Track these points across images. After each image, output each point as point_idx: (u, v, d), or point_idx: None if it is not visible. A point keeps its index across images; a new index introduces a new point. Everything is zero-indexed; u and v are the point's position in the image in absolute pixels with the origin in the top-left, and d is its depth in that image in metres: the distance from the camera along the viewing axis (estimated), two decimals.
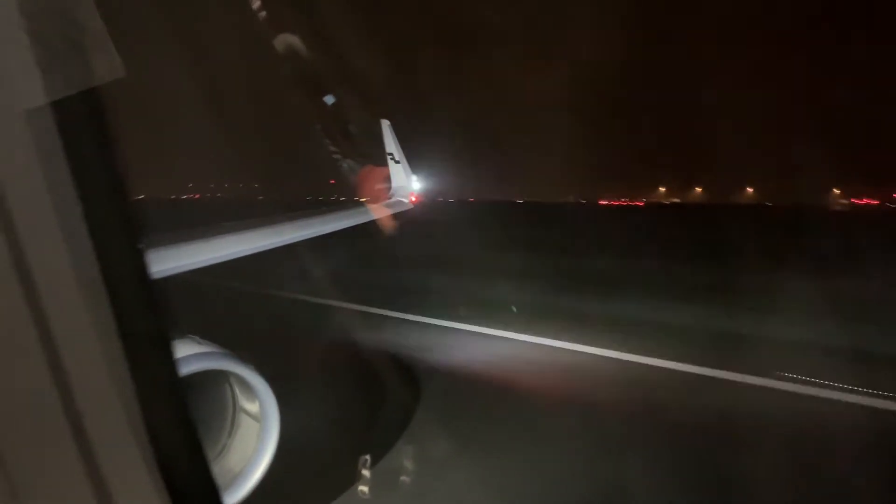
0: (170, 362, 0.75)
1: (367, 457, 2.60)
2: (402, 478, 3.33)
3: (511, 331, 6.71)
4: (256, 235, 3.73)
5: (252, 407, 2.60)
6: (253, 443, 2.55)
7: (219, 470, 2.52)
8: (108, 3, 0.62)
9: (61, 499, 0.61)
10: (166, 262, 2.80)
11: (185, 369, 2.23)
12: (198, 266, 3.05)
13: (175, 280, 2.76)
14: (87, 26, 0.59)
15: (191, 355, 2.31)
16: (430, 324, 7.24)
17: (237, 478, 2.47)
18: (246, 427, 2.62)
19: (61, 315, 0.59)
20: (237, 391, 2.64)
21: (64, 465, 0.60)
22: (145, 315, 0.71)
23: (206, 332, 2.52)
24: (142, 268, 0.70)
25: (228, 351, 2.49)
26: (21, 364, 0.58)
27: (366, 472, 2.53)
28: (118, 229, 0.68)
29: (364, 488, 2.52)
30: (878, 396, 4.77)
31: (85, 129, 0.64)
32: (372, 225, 5.64)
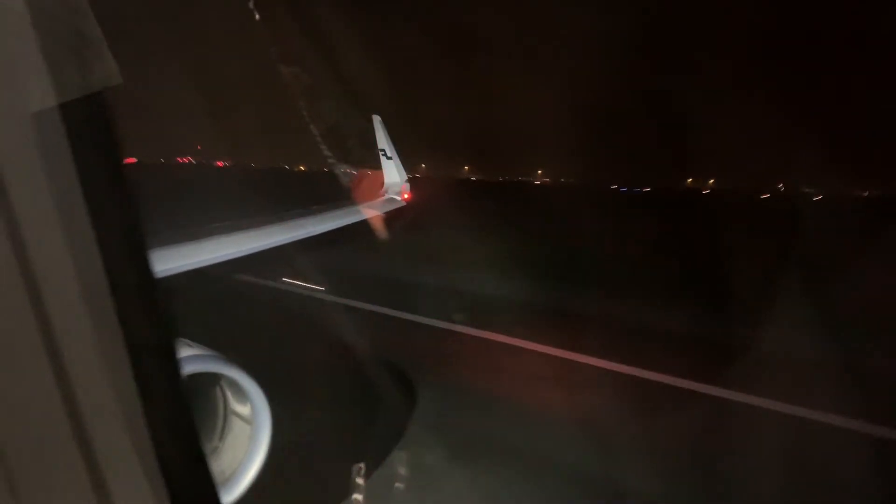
0: (173, 364, 0.76)
1: (362, 465, 2.58)
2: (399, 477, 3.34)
3: None
4: (248, 237, 3.69)
5: (243, 409, 2.57)
6: (244, 445, 2.53)
7: None
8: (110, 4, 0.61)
9: (62, 498, 0.61)
10: (163, 262, 2.76)
11: None
12: (191, 268, 3.02)
13: (163, 283, 2.72)
14: (84, 33, 0.59)
15: (181, 358, 2.28)
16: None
17: (228, 481, 2.45)
18: (237, 430, 2.59)
19: (65, 316, 0.59)
20: (228, 394, 2.61)
21: (65, 465, 0.60)
22: (149, 317, 0.71)
23: (197, 335, 2.50)
24: (147, 270, 0.71)
25: (219, 353, 2.46)
26: (24, 364, 0.58)
27: (360, 481, 2.52)
28: (123, 232, 0.68)
29: (358, 496, 2.51)
30: None
31: (91, 131, 0.64)
32: (362, 225, 5.59)
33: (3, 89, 0.56)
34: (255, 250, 3.60)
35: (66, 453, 0.60)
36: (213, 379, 2.50)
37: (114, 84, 0.63)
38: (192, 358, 2.33)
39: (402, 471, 3.42)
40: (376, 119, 7.92)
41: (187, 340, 2.47)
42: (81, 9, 0.59)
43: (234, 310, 7.16)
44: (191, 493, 0.73)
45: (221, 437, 2.60)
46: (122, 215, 0.68)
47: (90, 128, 0.63)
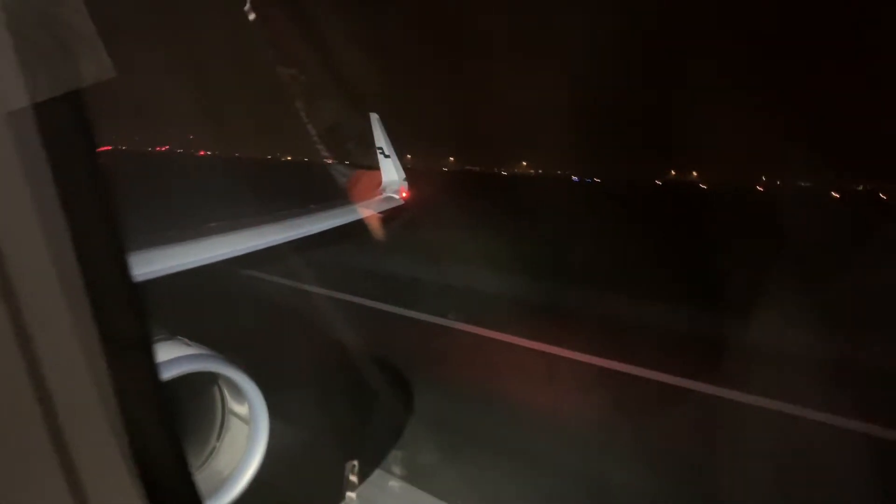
0: (151, 368, 0.75)
1: (355, 462, 2.58)
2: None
3: None
4: (242, 237, 3.68)
5: (241, 409, 2.57)
6: (242, 445, 2.52)
7: (208, 473, 2.49)
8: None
9: (37, 501, 0.60)
10: (152, 264, 2.75)
11: (173, 371, 2.20)
12: (183, 268, 3.01)
13: (160, 282, 2.71)
14: (74, 26, 0.58)
15: (179, 357, 2.28)
16: None
17: (226, 481, 2.44)
18: (235, 429, 2.59)
19: (41, 319, 0.58)
20: (226, 393, 2.60)
21: (42, 472, 0.59)
22: (127, 319, 0.71)
23: (195, 334, 2.49)
24: (124, 271, 0.70)
25: (217, 353, 2.46)
26: None
27: (353, 479, 2.52)
28: (100, 232, 0.67)
29: (352, 494, 2.51)
30: None
31: (67, 130, 0.63)
32: (360, 224, 5.56)
33: None
34: (251, 250, 3.58)
35: (42, 456, 0.59)
36: (211, 378, 2.50)
37: (106, 78, 0.62)
38: (190, 357, 2.33)
39: (398, 469, 3.42)
40: (374, 117, 7.87)
41: (185, 339, 2.46)
42: (72, 1, 0.58)
43: (231, 308, 7.15)
44: (170, 494, 0.73)
45: (219, 437, 2.60)
46: (99, 214, 0.67)
47: (65, 124, 0.62)
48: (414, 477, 3.41)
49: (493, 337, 6.42)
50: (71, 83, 0.59)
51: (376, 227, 5.84)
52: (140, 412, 0.68)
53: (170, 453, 0.75)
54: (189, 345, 2.43)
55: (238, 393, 2.51)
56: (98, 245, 0.66)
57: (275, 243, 3.95)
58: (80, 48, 0.59)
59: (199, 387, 2.54)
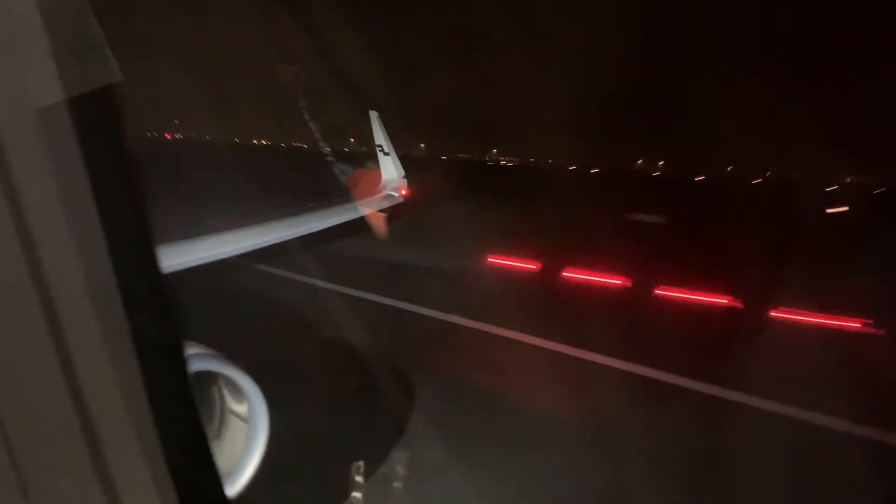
0: (180, 360, 0.76)
1: (361, 462, 2.58)
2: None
3: None
4: (247, 234, 3.68)
5: (240, 408, 2.56)
6: (241, 444, 2.52)
7: None
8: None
9: (70, 493, 0.62)
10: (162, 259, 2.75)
11: None
12: (189, 265, 3.01)
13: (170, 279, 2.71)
14: (87, 34, 0.59)
15: None
16: None
17: (225, 479, 2.44)
18: (234, 428, 2.58)
19: (73, 312, 0.60)
20: (225, 392, 2.60)
21: (73, 461, 0.61)
22: (157, 314, 0.72)
23: (194, 333, 2.48)
24: (154, 267, 0.71)
25: (216, 352, 2.45)
26: (33, 362, 0.59)
27: (359, 479, 2.52)
28: (132, 229, 0.68)
29: (357, 495, 2.52)
30: None
31: (100, 127, 0.64)
32: (361, 221, 5.55)
33: (11, 88, 0.56)
34: (253, 248, 3.59)
35: (75, 450, 0.60)
36: (211, 377, 2.49)
37: (114, 82, 0.63)
38: (189, 356, 2.32)
39: (401, 470, 3.41)
40: (373, 115, 7.85)
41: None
42: (83, 9, 0.59)
43: (230, 305, 7.13)
44: (197, 488, 0.74)
45: (218, 437, 2.59)
46: (130, 212, 0.68)
47: (97, 124, 0.62)
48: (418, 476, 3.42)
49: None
50: (83, 86, 0.60)
51: (377, 225, 5.84)
52: (168, 404, 0.70)
53: (196, 445, 0.77)
54: (188, 344, 2.42)
55: (237, 392, 2.50)
56: (130, 240, 0.67)
57: (276, 241, 3.96)
58: (90, 54, 0.60)
59: (199, 385, 2.53)
